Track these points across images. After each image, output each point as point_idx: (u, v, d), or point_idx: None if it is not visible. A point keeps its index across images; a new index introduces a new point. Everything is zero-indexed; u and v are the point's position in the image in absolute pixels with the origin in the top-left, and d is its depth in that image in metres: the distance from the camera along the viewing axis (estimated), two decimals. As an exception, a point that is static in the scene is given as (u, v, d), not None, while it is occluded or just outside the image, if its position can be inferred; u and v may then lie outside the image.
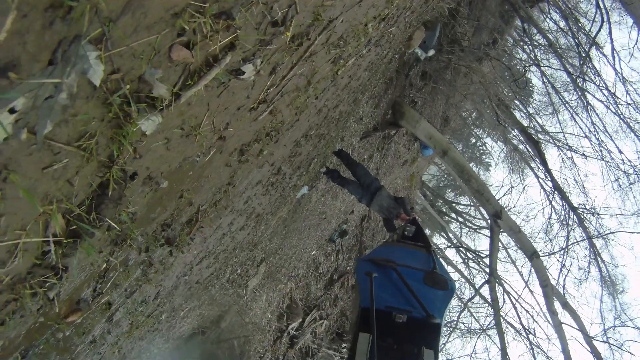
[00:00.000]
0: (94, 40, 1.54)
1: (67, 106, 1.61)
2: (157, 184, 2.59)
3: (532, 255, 9.90)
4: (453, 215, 27.71)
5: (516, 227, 9.81)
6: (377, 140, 11.22)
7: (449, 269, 23.23)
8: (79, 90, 1.60)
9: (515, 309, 13.04)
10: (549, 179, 13.66)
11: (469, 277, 21.81)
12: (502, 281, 12.82)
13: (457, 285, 22.69)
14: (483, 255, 18.14)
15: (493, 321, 13.09)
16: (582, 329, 11.55)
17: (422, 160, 17.48)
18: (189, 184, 3.16)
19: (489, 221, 10.67)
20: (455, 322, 17.08)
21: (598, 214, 14.12)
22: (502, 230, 10.20)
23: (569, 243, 13.23)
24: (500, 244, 17.10)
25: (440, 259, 5.67)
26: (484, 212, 16.13)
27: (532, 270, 10.73)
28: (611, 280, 14.95)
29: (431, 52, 10.53)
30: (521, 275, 14.61)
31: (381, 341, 3.81)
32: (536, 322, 14.44)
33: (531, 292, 13.14)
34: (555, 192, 13.69)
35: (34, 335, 2.61)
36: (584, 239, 13.58)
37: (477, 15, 12.82)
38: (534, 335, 13.39)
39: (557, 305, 11.17)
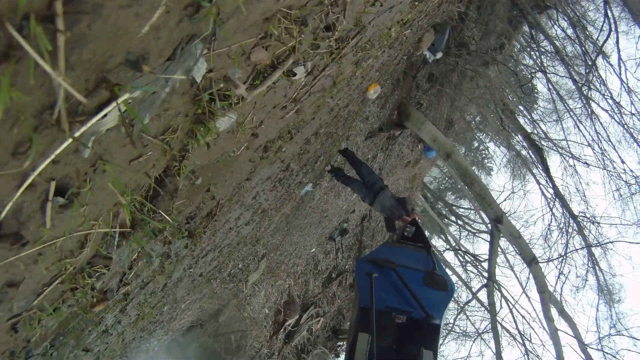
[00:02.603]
0: (206, 39, 1.61)
1: (165, 101, 1.67)
2: (195, 178, 2.65)
3: (531, 261, 9.93)
4: (453, 218, 27.74)
5: (516, 233, 9.83)
6: (382, 140, 11.23)
7: (447, 272, 23.23)
8: (180, 86, 1.68)
9: (512, 314, 13.11)
10: (551, 185, 13.70)
11: (466, 280, 21.86)
12: (500, 286, 12.87)
13: (455, 287, 22.66)
14: (481, 259, 18.17)
15: (489, 325, 13.14)
16: (577, 336, 11.61)
17: (425, 162, 17.49)
18: (217, 178, 3.20)
19: (490, 225, 10.71)
20: (451, 325, 17.12)
21: (598, 222, 14.16)
22: (502, 235, 10.23)
23: (568, 250, 13.27)
24: (499, 249, 17.18)
25: (440, 261, 5.68)
26: (484, 216, 16.17)
27: (530, 276, 10.77)
28: (608, 289, 15.03)
29: (439, 55, 10.55)
30: (519, 281, 14.65)
31: (380, 341, 3.83)
32: (532, 327, 14.46)
33: (528, 297, 13.20)
34: (556, 199, 13.74)
35: (64, 324, 2.65)
36: (583, 247, 13.63)
37: (485, 20, 12.81)
38: (530, 340, 13.46)
39: (554, 311, 11.22)
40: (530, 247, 12.26)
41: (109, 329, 3.89)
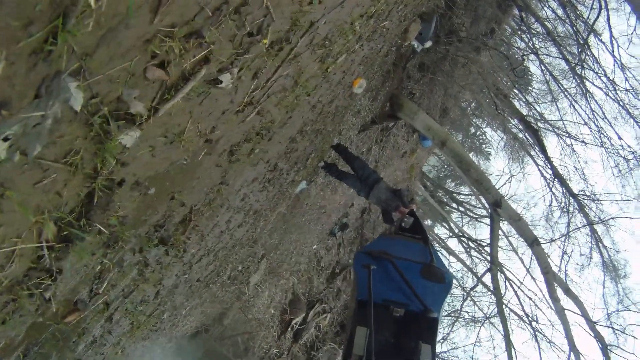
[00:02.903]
0: (74, 73, 1.76)
1: (53, 130, 1.86)
2: (146, 188, 2.78)
3: (533, 242, 9.94)
4: (454, 205, 27.68)
5: (516, 216, 9.83)
6: (376, 132, 11.23)
7: (451, 259, 23.33)
8: (63, 115, 1.85)
9: (517, 296, 13.11)
10: (549, 166, 13.69)
11: (471, 266, 21.84)
12: (504, 269, 12.85)
13: (460, 274, 22.82)
14: (484, 244, 18.13)
15: (496, 309, 13.15)
16: (584, 314, 11.60)
17: (422, 151, 17.45)
18: (180, 185, 3.27)
19: (489, 210, 10.70)
20: (458, 312, 17.13)
21: (598, 200, 14.11)
22: (502, 218, 10.22)
23: (570, 229, 13.25)
24: (501, 233, 17.18)
25: (439, 251, 5.65)
26: (484, 201, 16.16)
27: (533, 257, 10.78)
28: (613, 265, 14.93)
29: (428, 44, 10.53)
30: (523, 263, 14.66)
31: (378, 335, 3.82)
32: (539, 308, 14.46)
33: (533, 279, 13.18)
34: (555, 179, 13.72)
35: (34, 334, 2.81)
36: (585, 225, 13.59)
37: (474, 6, 12.80)
38: (537, 322, 13.45)
39: (560, 291, 11.23)
40: (533, 228, 12.27)
41: (98, 339, 3.93)
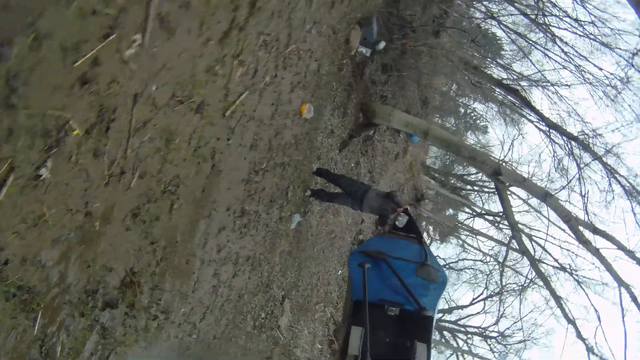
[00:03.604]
0: None
1: None
2: (39, 262, 3.13)
3: (545, 196, 9.89)
4: (468, 187, 27.46)
5: (520, 177, 9.86)
6: (358, 145, 11.28)
7: (481, 239, 23.20)
8: None
9: (547, 252, 13.01)
10: (540, 119, 13.67)
11: (500, 239, 21.63)
12: (531, 230, 12.77)
13: (495, 251, 22.57)
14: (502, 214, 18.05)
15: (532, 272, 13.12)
16: (621, 247, 11.43)
17: (414, 147, 17.43)
18: (89, 254, 3.52)
19: (492, 181, 10.71)
20: (500, 287, 16.97)
21: (599, 134, 14.01)
22: (507, 184, 10.21)
23: (580, 169, 13.13)
24: (520, 199, 17.13)
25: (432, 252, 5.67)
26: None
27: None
28: (636, 190, 14.67)
29: (381, 45, 10.60)
30: (548, 219, 14.51)
31: (373, 335, 3.89)
32: (578, 255, 14.27)
33: (562, 230, 13.07)
34: (551, 129, 13.68)
35: None
36: (593, 160, 13.43)
37: (418, -7, 12.94)
38: (575, 270, 13.35)
39: (589, 234, 11.11)
40: (549, 182, 12.18)
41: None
